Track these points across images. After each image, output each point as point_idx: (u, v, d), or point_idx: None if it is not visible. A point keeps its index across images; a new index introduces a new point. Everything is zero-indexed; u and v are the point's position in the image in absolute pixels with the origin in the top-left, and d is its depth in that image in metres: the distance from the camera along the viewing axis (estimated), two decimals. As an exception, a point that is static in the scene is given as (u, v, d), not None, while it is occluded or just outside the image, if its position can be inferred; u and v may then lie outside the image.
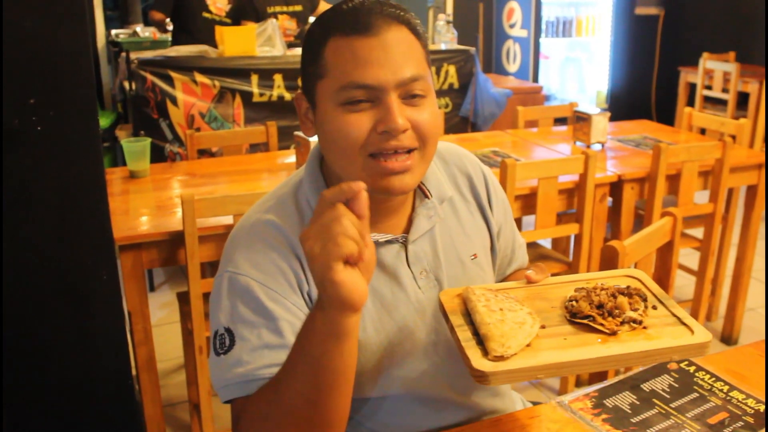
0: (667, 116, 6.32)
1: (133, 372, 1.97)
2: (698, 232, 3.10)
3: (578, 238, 2.70)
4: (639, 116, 4.40)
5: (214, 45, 3.90)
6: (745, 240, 3.15)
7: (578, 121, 3.16)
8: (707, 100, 5.81)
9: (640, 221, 2.97)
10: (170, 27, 4.56)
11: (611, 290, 1.08)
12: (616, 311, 1.03)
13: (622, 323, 1.03)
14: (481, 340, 0.99)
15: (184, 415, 2.70)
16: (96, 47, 5.06)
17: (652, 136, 3.37)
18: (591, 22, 6.66)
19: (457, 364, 0.99)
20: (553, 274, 1.21)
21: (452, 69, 4.21)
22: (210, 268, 2.83)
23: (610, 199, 2.83)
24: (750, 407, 1.18)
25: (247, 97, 3.78)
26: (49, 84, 1.51)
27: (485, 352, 0.97)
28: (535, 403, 1.29)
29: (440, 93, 4.21)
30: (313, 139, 1.44)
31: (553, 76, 6.86)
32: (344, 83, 1.01)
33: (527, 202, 2.62)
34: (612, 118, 3.32)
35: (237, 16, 4.38)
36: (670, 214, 1.79)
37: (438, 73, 4.18)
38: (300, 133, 2.73)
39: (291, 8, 4.42)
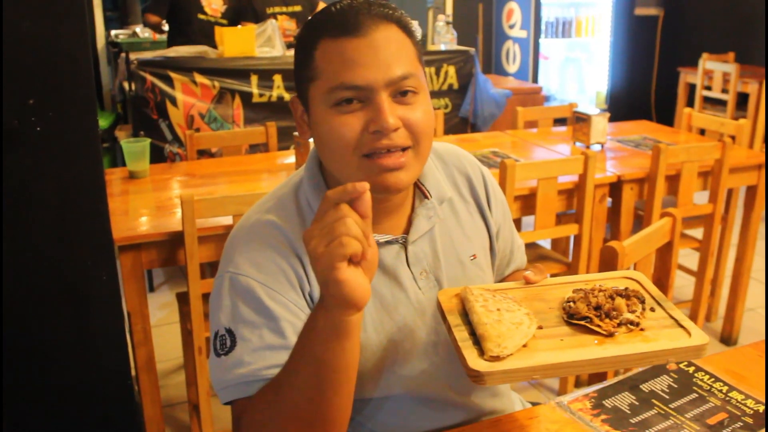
0: (666, 117, 6.33)
1: (133, 372, 1.97)
2: (698, 233, 3.10)
3: (578, 239, 2.70)
4: (638, 117, 4.40)
5: (211, 46, 3.91)
6: (745, 240, 3.15)
7: (578, 121, 3.16)
8: (707, 100, 5.82)
9: (640, 222, 2.97)
10: (166, 28, 4.56)
11: (609, 292, 1.08)
12: (614, 313, 1.03)
13: (619, 325, 1.03)
14: (478, 340, 0.99)
15: (183, 415, 2.70)
16: (95, 48, 5.06)
17: (651, 137, 3.37)
18: (590, 22, 6.66)
19: (456, 365, 0.99)
20: (553, 275, 1.21)
21: (452, 69, 4.21)
22: (209, 269, 2.84)
23: (609, 200, 2.83)
24: (749, 408, 1.18)
25: (246, 97, 3.78)
26: (49, 84, 1.51)
27: (482, 352, 0.97)
28: (534, 404, 1.29)
29: (440, 93, 4.21)
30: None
31: (553, 76, 6.87)
32: (334, 85, 1.02)
33: (527, 203, 2.62)
34: (611, 119, 3.32)
35: (233, 16, 4.38)
36: (670, 215, 1.79)
37: (437, 73, 4.18)
38: (299, 134, 2.73)
39: (290, 9, 4.42)
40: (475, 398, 1.24)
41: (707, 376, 1.27)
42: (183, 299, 2.42)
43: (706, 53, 5.72)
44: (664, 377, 1.26)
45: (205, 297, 2.11)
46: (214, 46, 3.93)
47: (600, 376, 1.53)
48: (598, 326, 1.02)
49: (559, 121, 3.86)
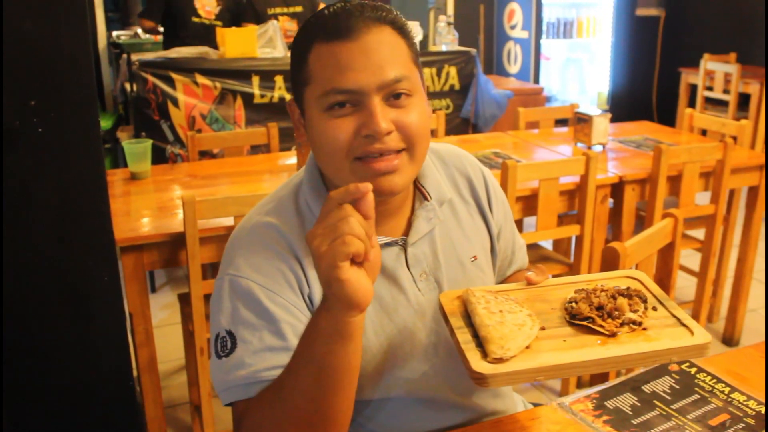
0: (668, 117, 6.32)
1: (135, 373, 1.97)
2: (699, 234, 3.10)
3: (579, 240, 2.70)
4: (640, 117, 4.39)
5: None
6: (747, 241, 3.14)
7: (579, 122, 3.16)
8: (708, 101, 5.81)
9: (641, 222, 2.97)
10: (161, 29, 4.57)
11: (611, 292, 1.08)
12: (616, 313, 1.03)
13: (621, 325, 1.02)
14: (480, 342, 0.99)
15: (185, 416, 2.70)
16: (97, 49, 5.06)
17: (653, 138, 3.37)
18: (592, 23, 6.66)
19: (457, 366, 0.99)
20: (554, 276, 1.21)
21: (453, 70, 4.21)
22: (211, 270, 2.84)
23: (611, 201, 2.83)
24: (751, 409, 1.17)
25: (248, 98, 3.78)
26: (50, 85, 1.51)
27: (485, 354, 0.97)
28: (536, 405, 1.29)
29: (441, 94, 4.21)
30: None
31: (554, 77, 6.86)
32: (326, 89, 1.02)
33: (528, 204, 2.62)
34: (613, 120, 3.32)
35: (228, 16, 4.39)
36: (671, 216, 1.79)
37: (439, 74, 4.18)
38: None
39: (291, 9, 4.42)
40: (476, 399, 1.24)
41: (709, 377, 1.26)
42: (185, 300, 2.43)
43: (708, 54, 5.72)
44: (665, 378, 1.26)
45: (207, 298, 2.10)
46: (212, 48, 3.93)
47: (602, 377, 1.53)
48: (601, 326, 1.02)
49: (561, 122, 3.86)
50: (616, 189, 2.80)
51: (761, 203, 3.05)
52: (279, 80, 3.81)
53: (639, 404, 1.19)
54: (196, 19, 4.32)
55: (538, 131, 3.61)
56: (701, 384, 1.25)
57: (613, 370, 1.17)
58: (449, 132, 4.06)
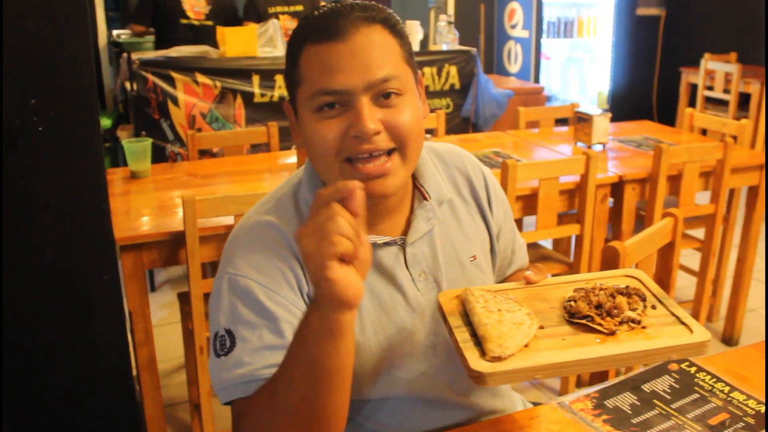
0: (668, 117, 6.32)
1: (134, 372, 1.98)
2: (699, 233, 3.10)
3: (579, 239, 2.70)
4: (640, 117, 4.39)
5: None
6: (746, 241, 3.14)
7: (579, 121, 3.16)
8: (708, 100, 5.81)
9: (641, 222, 2.97)
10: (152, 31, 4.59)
11: (610, 290, 1.08)
12: (615, 311, 1.03)
13: (620, 323, 1.02)
14: (479, 341, 0.99)
15: (184, 415, 2.70)
16: (97, 48, 5.06)
17: (653, 137, 3.37)
18: (592, 22, 6.66)
19: (456, 366, 0.99)
20: (554, 275, 1.21)
21: (453, 69, 4.21)
22: (211, 269, 2.84)
23: (611, 200, 2.83)
24: (751, 408, 1.17)
25: (248, 97, 3.78)
26: (51, 84, 1.52)
27: (483, 353, 0.97)
28: (535, 404, 1.29)
29: (441, 93, 4.21)
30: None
31: (555, 76, 6.86)
32: (315, 90, 1.02)
33: (528, 203, 2.62)
34: (613, 119, 3.32)
35: (219, 14, 4.40)
36: (671, 215, 1.79)
37: (439, 73, 4.18)
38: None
39: (292, 8, 4.42)
40: (475, 398, 1.24)
41: (709, 377, 1.26)
42: (184, 299, 2.43)
43: (708, 53, 5.72)
44: (665, 377, 1.26)
45: (207, 297, 2.09)
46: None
47: (601, 377, 1.53)
48: (600, 325, 1.02)
49: (561, 122, 3.85)
50: (616, 188, 2.80)
51: (761, 203, 3.05)
52: (279, 79, 3.81)
53: (639, 403, 1.19)
54: (184, 21, 4.33)
55: (539, 131, 3.61)
56: (701, 383, 1.25)
57: (612, 368, 1.17)
58: (449, 131, 4.06)
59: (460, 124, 4.30)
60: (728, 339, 3.22)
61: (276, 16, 4.32)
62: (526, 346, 0.98)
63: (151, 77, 3.59)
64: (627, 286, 1.11)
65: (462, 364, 0.97)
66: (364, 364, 1.12)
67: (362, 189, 0.86)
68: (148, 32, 4.53)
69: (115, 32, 5.39)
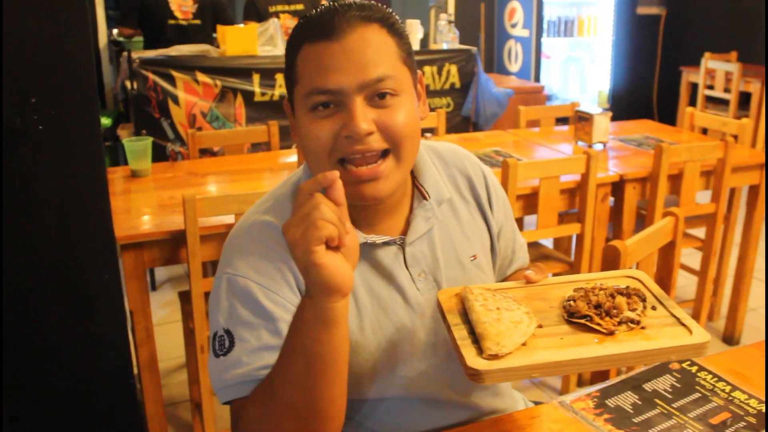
0: (668, 116, 6.32)
1: (135, 371, 1.97)
2: (700, 232, 3.10)
3: (580, 238, 2.69)
4: (641, 116, 4.40)
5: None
6: (747, 240, 3.14)
7: (580, 120, 3.16)
8: (709, 99, 5.81)
9: (642, 221, 2.97)
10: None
11: (610, 290, 1.08)
12: (614, 311, 1.03)
13: (619, 323, 1.02)
14: (477, 339, 0.99)
15: (185, 414, 2.70)
16: (97, 46, 5.06)
17: (653, 136, 3.37)
18: (593, 21, 6.65)
19: (456, 365, 0.99)
20: (555, 274, 1.20)
21: (454, 69, 4.21)
22: (212, 267, 2.83)
23: (611, 199, 2.83)
24: (752, 407, 1.17)
25: (248, 96, 3.78)
26: (51, 83, 1.51)
27: (481, 351, 0.97)
28: (536, 403, 1.29)
29: (442, 92, 4.21)
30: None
31: (555, 75, 6.86)
32: (309, 89, 1.02)
33: (529, 202, 2.62)
34: (614, 118, 3.32)
35: (207, 11, 4.40)
36: (672, 214, 1.79)
37: (440, 72, 4.17)
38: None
39: (293, 7, 4.42)
40: (476, 398, 1.24)
41: (710, 376, 1.26)
42: (185, 298, 2.43)
43: (709, 52, 5.72)
44: (666, 377, 1.26)
45: (208, 296, 2.10)
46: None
47: (602, 376, 1.52)
48: (599, 325, 1.02)
49: (561, 121, 3.85)
50: (617, 187, 2.80)
51: (762, 202, 3.05)
52: (279, 78, 3.81)
53: (640, 402, 1.19)
54: (172, 21, 4.33)
55: (539, 130, 3.61)
56: (702, 382, 1.25)
57: (610, 368, 1.17)
58: (450, 130, 4.06)
59: (461, 123, 4.30)
60: (729, 338, 3.22)
61: (276, 15, 4.32)
62: (524, 344, 0.98)
63: (151, 76, 3.59)
64: (627, 287, 1.10)
65: (459, 361, 0.97)
66: (364, 363, 1.12)
67: (347, 183, 0.87)
68: (136, 34, 4.54)
69: (115, 31, 5.40)
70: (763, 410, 1.17)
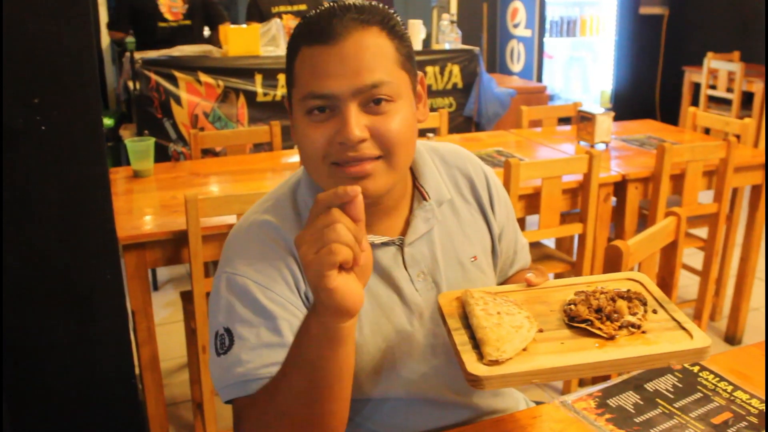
0: (671, 116, 6.31)
1: (137, 371, 1.98)
2: (702, 232, 3.10)
3: (582, 238, 2.69)
4: (643, 116, 4.39)
5: None
6: (750, 240, 3.14)
7: (582, 120, 3.16)
8: (711, 99, 5.80)
9: (644, 221, 2.96)
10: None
11: (610, 294, 1.07)
12: (615, 315, 1.02)
13: (620, 327, 1.02)
14: (477, 344, 0.99)
15: (187, 414, 2.70)
16: (100, 47, 5.06)
17: (656, 136, 3.36)
18: (595, 21, 6.65)
19: (455, 366, 0.99)
20: (557, 274, 1.20)
21: (456, 69, 4.21)
22: (213, 267, 2.83)
23: (614, 199, 2.83)
24: (754, 407, 1.17)
25: (251, 96, 3.78)
26: (53, 84, 1.52)
27: (481, 357, 0.96)
28: (538, 403, 1.29)
29: (444, 93, 4.21)
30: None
31: (557, 75, 6.86)
32: (305, 93, 1.02)
33: (531, 202, 2.62)
34: (616, 118, 3.31)
35: (198, 10, 4.40)
36: (674, 214, 1.78)
37: (442, 72, 4.17)
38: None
39: (295, 8, 4.42)
40: (476, 399, 1.24)
41: (712, 376, 1.26)
42: (187, 298, 2.43)
43: (711, 52, 5.71)
44: (668, 377, 1.26)
45: (209, 295, 2.11)
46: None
47: (604, 376, 1.52)
48: (599, 329, 1.01)
49: (564, 121, 3.85)
50: (619, 187, 2.80)
51: (764, 202, 3.04)
52: (282, 79, 3.81)
53: (641, 402, 1.19)
54: (162, 24, 4.34)
55: (541, 130, 3.61)
56: (704, 382, 1.25)
57: (610, 373, 1.16)
58: (452, 130, 4.05)
59: (463, 123, 4.30)
60: (731, 338, 3.21)
61: (279, 15, 4.32)
62: (524, 349, 0.98)
63: (153, 76, 3.59)
64: (628, 290, 1.10)
65: (459, 367, 0.97)
66: (364, 364, 1.12)
67: (340, 180, 0.85)
68: (128, 37, 4.55)
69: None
70: (765, 410, 1.16)
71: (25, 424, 1.70)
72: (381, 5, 1.07)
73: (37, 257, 1.59)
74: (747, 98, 5.49)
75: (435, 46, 4.45)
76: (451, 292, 1.13)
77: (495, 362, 0.95)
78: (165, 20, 4.33)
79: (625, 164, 2.90)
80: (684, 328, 1.03)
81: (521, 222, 3.15)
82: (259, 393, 1.00)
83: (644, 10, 6.56)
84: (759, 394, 1.21)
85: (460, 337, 1.01)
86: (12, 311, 1.59)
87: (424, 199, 1.17)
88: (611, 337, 1.00)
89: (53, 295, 1.63)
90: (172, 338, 3.13)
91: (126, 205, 2.39)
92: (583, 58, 6.89)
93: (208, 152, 3.54)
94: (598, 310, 1.04)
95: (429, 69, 4.12)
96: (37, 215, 1.57)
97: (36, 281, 1.61)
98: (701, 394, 1.21)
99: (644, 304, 1.07)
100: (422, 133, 1.14)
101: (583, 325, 1.03)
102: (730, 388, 1.23)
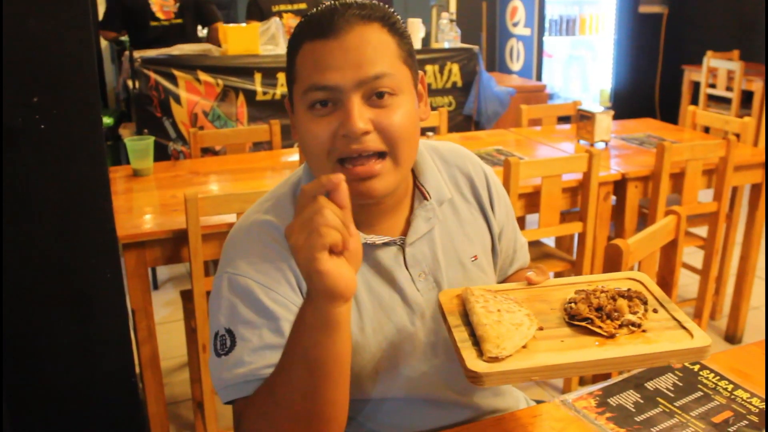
0: (671, 115, 6.32)
1: (137, 370, 1.98)
2: (702, 231, 3.10)
3: (582, 237, 2.69)
4: (643, 115, 4.40)
5: None
6: (749, 238, 3.14)
7: (582, 119, 3.16)
8: (711, 98, 5.80)
9: (644, 220, 2.96)
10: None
11: (611, 293, 1.08)
12: (615, 314, 1.03)
13: (620, 326, 1.02)
14: (477, 341, 0.99)
15: (187, 413, 2.70)
16: (99, 46, 5.06)
17: (656, 135, 3.36)
18: (595, 20, 6.65)
19: (457, 366, 0.99)
20: (557, 273, 1.20)
21: (456, 67, 4.21)
22: (213, 266, 2.84)
23: (613, 198, 2.83)
24: (754, 406, 1.17)
25: (250, 95, 3.78)
26: (53, 82, 1.51)
27: (481, 353, 0.96)
28: (538, 402, 1.29)
29: (443, 91, 4.21)
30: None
31: (557, 74, 6.86)
32: (307, 86, 1.02)
33: (531, 201, 2.62)
34: (616, 117, 3.31)
35: (190, 8, 4.40)
36: (674, 213, 1.78)
37: (441, 71, 4.17)
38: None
39: (295, 6, 4.42)
40: (477, 398, 1.24)
41: (712, 375, 1.26)
42: (187, 297, 2.43)
43: (711, 51, 5.71)
44: (669, 375, 1.26)
45: (209, 294, 2.11)
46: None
47: (604, 375, 1.52)
48: (599, 327, 1.01)
49: (563, 119, 3.85)
50: (619, 186, 2.80)
51: (764, 200, 3.04)
52: (281, 77, 3.81)
53: (642, 401, 1.19)
54: (154, 23, 4.34)
55: (541, 128, 3.61)
56: (704, 381, 1.25)
57: (610, 371, 1.16)
58: (452, 129, 4.05)
59: (463, 122, 4.30)
60: (731, 337, 3.21)
61: (279, 14, 4.32)
62: (524, 347, 0.98)
63: (153, 75, 3.59)
64: (629, 289, 1.10)
65: (459, 363, 0.97)
66: (365, 363, 1.12)
67: (345, 181, 0.85)
68: (119, 37, 4.55)
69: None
70: (765, 409, 1.16)
71: (25, 423, 1.69)
72: (381, 3, 1.07)
73: (36, 256, 1.59)
74: (746, 97, 5.49)
75: (434, 45, 4.45)
76: (452, 289, 1.14)
77: (495, 359, 0.95)
78: (157, 19, 4.33)
79: (625, 163, 2.90)
80: (684, 328, 1.03)
81: (521, 221, 3.15)
82: (258, 391, 1.00)
83: (644, 9, 6.56)
84: (759, 393, 1.21)
85: (460, 334, 1.01)
86: (12, 310, 1.59)
87: (425, 198, 1.17)
88: (611, 336, 1.00)
89: (53, 294, 1.63)
90: (173, 337, 3.13)
91: (126, 204, 2.39)
92: (582, 56, 6.90)
93: (207, 151, 3.54)
94: (599, 309, 1.04)
95: (428, 68, 4.12)
96: (37, 214, 1.57)
97: (36, 280, 1.61)
98: (702, 393, 1.21)
99: (645, 303, 1.07)
100: (422, 132, 1.14)
101: (583, 324, 1.03)
102: (730, 387, 1.23)
